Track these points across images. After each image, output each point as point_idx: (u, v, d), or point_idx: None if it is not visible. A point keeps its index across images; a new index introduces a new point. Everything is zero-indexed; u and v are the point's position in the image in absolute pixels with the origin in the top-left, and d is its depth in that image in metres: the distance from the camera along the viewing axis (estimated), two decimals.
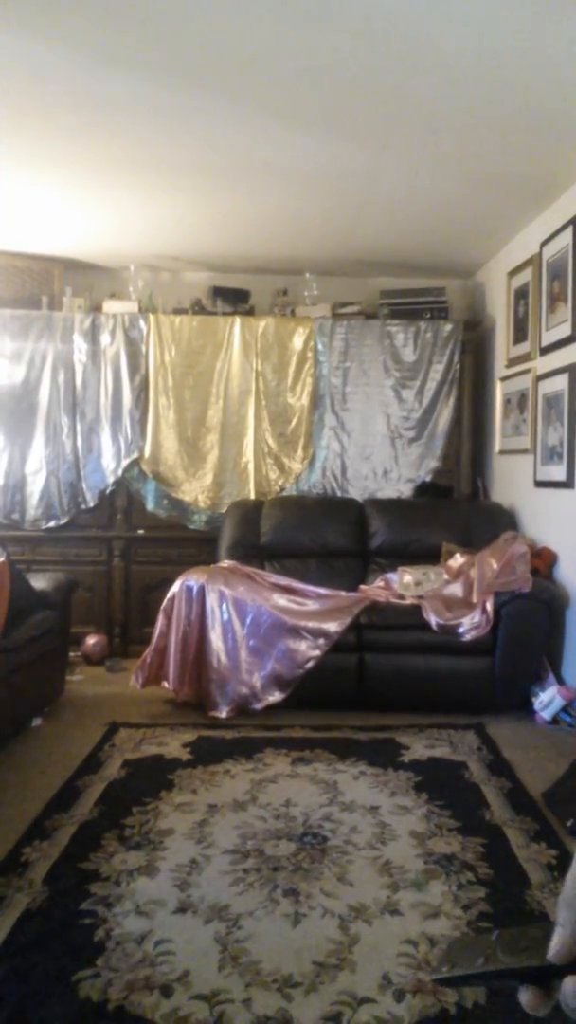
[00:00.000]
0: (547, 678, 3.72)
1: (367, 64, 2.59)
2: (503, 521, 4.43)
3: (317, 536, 4.49)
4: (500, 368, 4.75)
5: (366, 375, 4.87)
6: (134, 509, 4.87)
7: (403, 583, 4.08)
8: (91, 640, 4.67)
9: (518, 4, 2.26)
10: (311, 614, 3.77)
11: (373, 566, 4.51)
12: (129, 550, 4.86)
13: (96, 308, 4.87)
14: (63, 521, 4.81)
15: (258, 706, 3.67)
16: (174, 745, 3.30)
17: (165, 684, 3.81)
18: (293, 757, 3.17)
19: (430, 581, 4.03)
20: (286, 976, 1.81)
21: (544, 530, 4.09)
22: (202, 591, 3.81)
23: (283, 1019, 1.68)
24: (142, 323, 4.78)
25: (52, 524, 4.80)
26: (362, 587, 4.26)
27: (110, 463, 4.81)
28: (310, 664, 3.65)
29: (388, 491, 4.87)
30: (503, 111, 2.91)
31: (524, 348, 4.32)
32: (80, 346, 4.76)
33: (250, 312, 4.94)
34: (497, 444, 4.79)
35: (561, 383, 3.78)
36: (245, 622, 3.74)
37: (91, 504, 4.83)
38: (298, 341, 4.83)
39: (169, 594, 3.89)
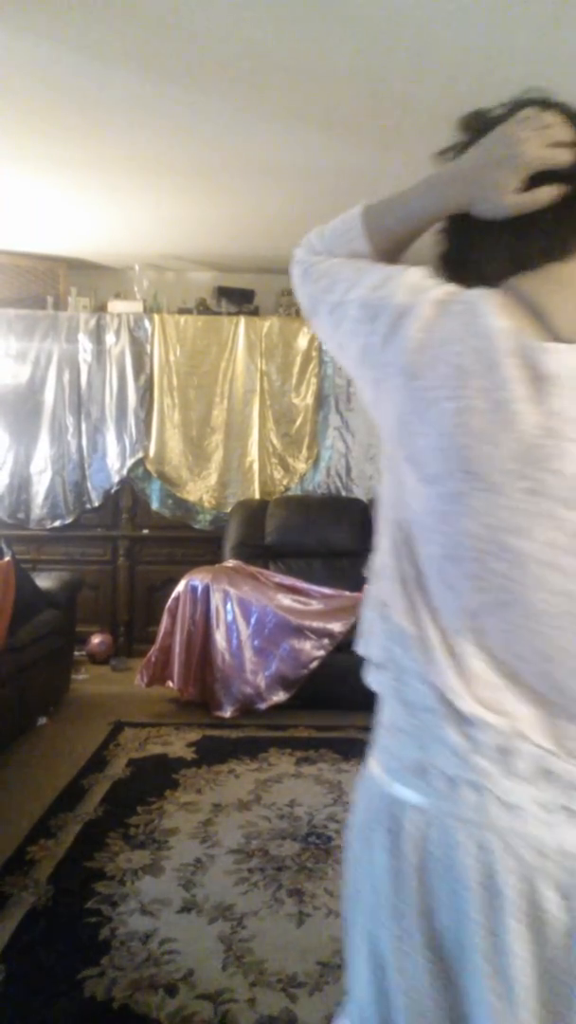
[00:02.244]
0: None
1: (371, 64, 2.59)
2: None
3: (322, 536, 4.49)
4: None
5: None
6: (139, 509, 4.88)
7: None
8: (96, 639, 4.68)
9: (523, 4, 2.25)
10: (316, 614, 3.77)
11: None
12: (134, 550, 4.87)
13: (101, 308, 4.88)
14: (68, 521, 4.82)
15: (263, 706, 3.67)
16: (179, 744, 3.31)
17: (170, 683, 3.82)
18: (298, 757, 3.17)
19: None
20: (290, 976, 1.81)
21: None
22: (207, 591, 3.82)
23: (287, 1019, 1.68)
24: (147, 323, 4.78)
25: (57, 524, 4.81)
26: (367, 587, 4.26)
27: (115, 463, 4.81)
28: (314, 664, 3.65)
29: None
30: None
31: None
32: (85, 346, 4.77)
33: (255, 312, 4.94)
34: None
35: None
36: (250, 622, 3.74)
37: (96, 504, 4.83)
38: (303, 341, 4.83)
39: (174, 594, 3.90)
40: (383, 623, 0.85)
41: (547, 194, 0.78)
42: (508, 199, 0.79)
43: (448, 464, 0.76)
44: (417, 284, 0.81)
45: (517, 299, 0.79)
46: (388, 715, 0.86)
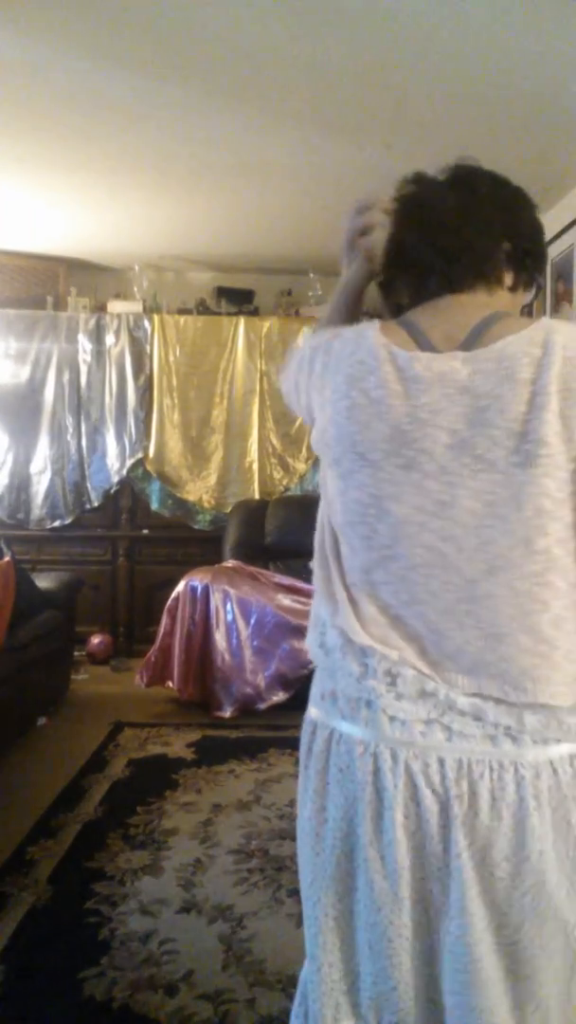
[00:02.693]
0: None
1: (371, 64, 2.59)
2: None
3: None
4: None
5: None
6: (139, 509, 4.88)
7: None
8: (96, 639, 4.68)
9: (523, 4, 2.25)
10: None
11: None
12: (134, 550, 4.87)
13: (101, 308, 4.87)
14: (68, 521, 4.82)
15: (262, 706, 3.67)
16: (178, 745, 3.31)
17: (169, 683, 3.82)
18: (297, 757, 3.17)
19: None
20: (290, 976, 1.81)
21: None
22: (206, 591, 3.81)
23: (287, 1019, 1.68)
24: (146, 323, 4.78)
25: (57, 524, 4.81)
26: None
27: (115, 463, 4.81)
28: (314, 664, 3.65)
29: None
30: (507, 110, 2.90)
31: None
32: (85, 346, 4.77)
33: (254, 312, 4.94)
34: None
35: None
36: (249, 622, 3.74)
37: (96, 504, 4.83)
38: (302, 341, 4.82)
39: (174, 594, 3.90)
40: (316, 593, 1.06)
41: (363, 245, 1.12)
42: (345, 264, 1.16)
43: (343, 448, 1.00)
44: (323, 330, 1.13)
45: (401, 324, 1.03)
46: (315, 660, 1.07)
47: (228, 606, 3.77)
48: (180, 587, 3.88)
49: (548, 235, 3.97)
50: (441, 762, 0.93)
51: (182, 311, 4.90)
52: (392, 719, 0.95)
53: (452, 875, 0.92)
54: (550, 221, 4.01)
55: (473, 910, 0.91)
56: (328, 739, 1.03)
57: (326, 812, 1.01)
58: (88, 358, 4.78)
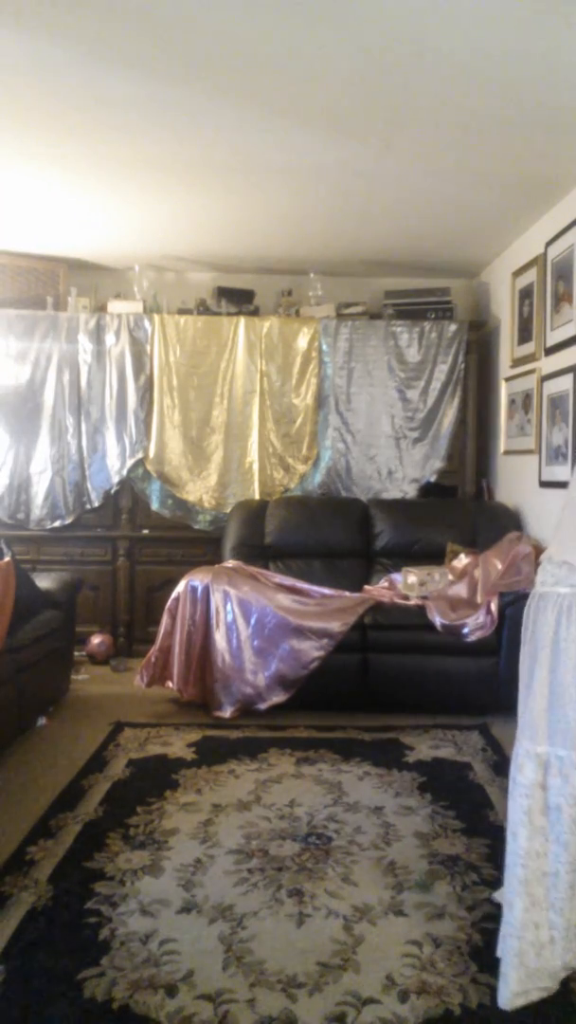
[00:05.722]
0: None
1: (371, 64, 2.59)
2: (508, 521, 4.43)
3: (321, 536, 4.49)
4: (505, 368, 4.74)
5: (370, 375, 4.87)
6: (139, 509, 4.88)
7: (407, 583, 4.07)
8: (96, 639, 4.68)
9: (523, 4, 2.25)
10: (315, 614, 3.77)
11: (377, 566, 4.51)
12: (134, 550, 4.87)
13: (101, 308, 4.88)
14: (68, 521, 4.82)
15: (262, 706, 3.67)
16: (178, 745, 3.31)
17: (169, 684, 3.82)
18: (297, 757, 3.17)
19: (434, 581, 4.03)
20: (290, 976, 1.82)
21: (549, 531, 4.08)
22: (207, 591, 3.82)
23: (287, 1019, 1.68)
24: (147, 323, 4.78)
25: (57, 524, 4.81)
26: (366, 587, 4.26)
27: (115, 463, 4.81)
28: (314, 664, 3.65)
29: (392, 491, 4.87)
30: (508, 110, 2.90)
31: (529, 348, 4.31)
32: (85, 346, 4.77)
33: (255, 312, 4.94)
34: (502, 444, 4.79)
35: (566, 383, 3.77)
36: (249, 622, 3.74)
37: (96, 504, 4.83)
38: (302, 341, 4.83)
39: (174, 594, 3.90)
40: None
41: None
42: None
43: None
44: None
45: None
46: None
47: (228, 606, 3.78)
48: (180, 587, 3.88)
49: (548, 235, 3.99)
50: (571, 598, 1.82)
51: (182, 311, 4.90)
52: (562, 583, 1.85)
53: (562, 646, 1.80)
54: (550, 221, 4.01)
55: (565, 660, 1.79)
56: (546, 595, 1.90)
57: (543, 630, 1.86)
58: (88, 358, 4.79)
